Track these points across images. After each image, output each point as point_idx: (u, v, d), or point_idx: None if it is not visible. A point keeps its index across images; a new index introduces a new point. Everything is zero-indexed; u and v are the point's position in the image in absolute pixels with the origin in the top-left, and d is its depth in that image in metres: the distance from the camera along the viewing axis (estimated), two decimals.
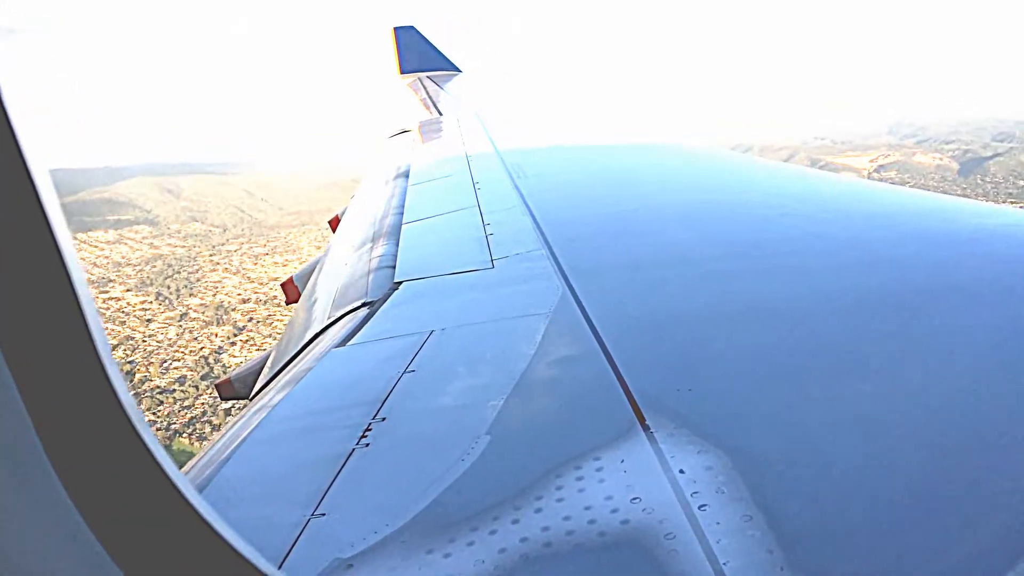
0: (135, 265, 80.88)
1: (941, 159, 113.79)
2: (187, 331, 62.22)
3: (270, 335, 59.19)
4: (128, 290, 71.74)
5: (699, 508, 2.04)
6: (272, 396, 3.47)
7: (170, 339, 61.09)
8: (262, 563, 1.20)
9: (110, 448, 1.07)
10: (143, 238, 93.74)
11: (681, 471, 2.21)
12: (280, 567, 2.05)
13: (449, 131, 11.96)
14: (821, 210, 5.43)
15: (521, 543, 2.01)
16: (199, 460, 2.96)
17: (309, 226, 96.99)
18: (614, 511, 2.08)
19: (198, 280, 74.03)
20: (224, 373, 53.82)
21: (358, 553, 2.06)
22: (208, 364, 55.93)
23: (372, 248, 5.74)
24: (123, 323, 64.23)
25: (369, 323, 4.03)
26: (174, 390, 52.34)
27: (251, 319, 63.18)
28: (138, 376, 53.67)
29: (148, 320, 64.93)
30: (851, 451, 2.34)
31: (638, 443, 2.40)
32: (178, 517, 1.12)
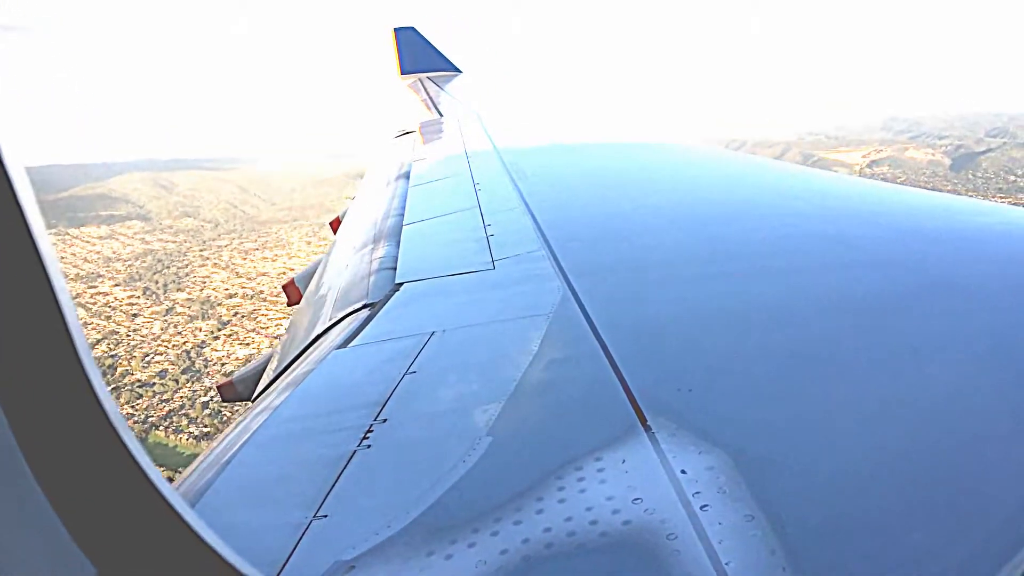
0: (125, 260, 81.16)
1: (933, 154, 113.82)
2: (172, 325, 62.50)
3: (254, 329, 59.53)
4: (116, 285, 72.04)
5: (701, 508, 2.04)
6: (274, 398, 3.47)
7: (154, 333, 61.38)
8: (237, 560, 1.20)
9: (88, 447, 1.07)
10: (135, 233, 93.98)
11: (683, 471, 2.21)
12: (282, 569, 2.05)
13: (449, 132, 11.94)
14: (823, 210, 5.45)
15: (523, 544, 2.01)
16: (202, 461, 2.94)
17: (300, 222, 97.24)
18: (616, 512, 2.08)
19: (187, 275, 74.29)
20: (205, 367, 54.19)
21: (360, 555, 2.06)
22: (190, 358, 56.24)
23: (373, 249, 5.74)
24: (108, 318, 64.54)
25: (370, 324, 4.03)
26: (154, 383, 52.69)
27: (236, 314, 63.47)
28: (120, 370, 53.97)
29: (134, 315, 65.23)
30: (853, 451, 2.34)
31: (639, 443, 2.39)
32: (153, 514, 1.12)
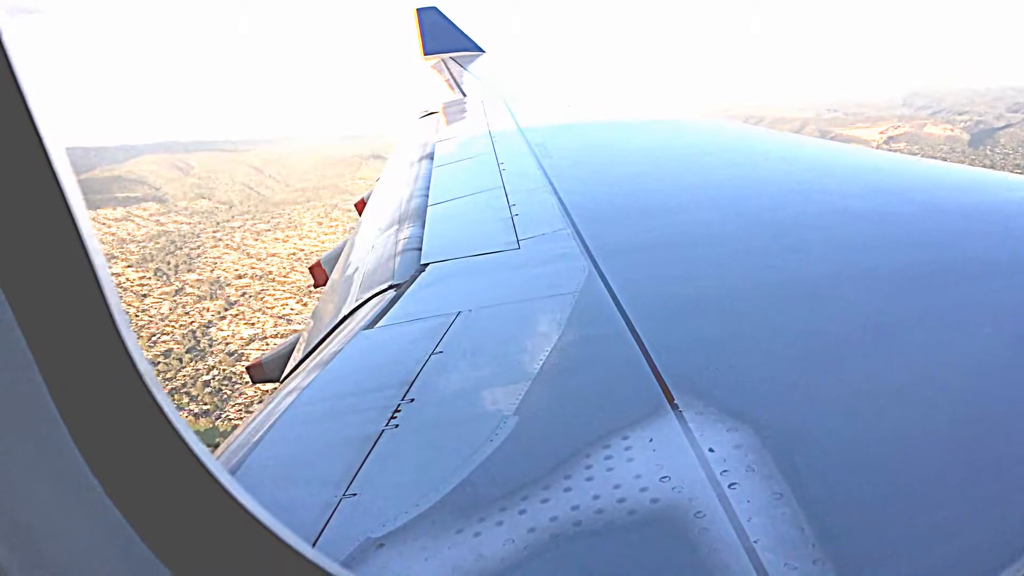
0: (139, 242, 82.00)
1: (952, 130, 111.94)
2: (180, 306, 63.40)
3: (260, 309, 60.27)
4: (129, 266, 72.85)
5: (729, 486, 2.03)
6: (302, 379, 3.50)
7: (162, 314, 62.21)
8: (316, 556, 1.21)
9: (150, 450, 1.08)
10: (150, 215, 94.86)
11: (710, 449, 2.20)
12: (313, 546, 2.04)
13: (473, 112, 11.87)
14: (850, 184, 5.38)
15: (551, 522, 2.01)
16: (232, 442, 2.97)
17: (314, 202, 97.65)
18: (644, 489, 2.07)
19: (198, 256, 75.07)
20: (210, 346, 54.93)
21: (389, 532, 2.07)
22: (195, 338, 57.12)
23: (398, 230, 5.73)
24: (119, 298, 65.60)
25: (396, 305, 4.04)
26: (159, 363, 53.52)
27: (244, 294, 64.22)
28: None
29: (144, 295, 66.23)
30: (882, 428, 2.33)
31: (667, 422, 2.39)
32: (224, 513, 1.13)
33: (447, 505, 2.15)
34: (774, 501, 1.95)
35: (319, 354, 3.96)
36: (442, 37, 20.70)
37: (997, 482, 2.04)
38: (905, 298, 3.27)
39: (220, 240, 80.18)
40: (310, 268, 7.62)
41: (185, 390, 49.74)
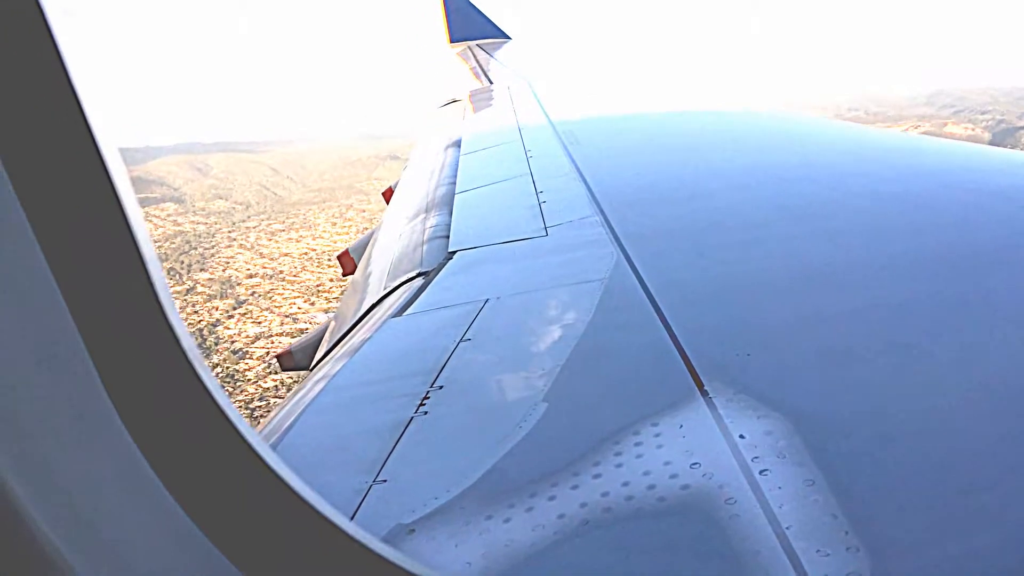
0: (155, 241, 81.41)
1: (973, 129, 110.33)
2: (189, 304, 64.17)
3: (267, 308, 60.83)
4: None
5: (760, 473, 2.01)
6: (332, 366, 3.52)
7: None
8: (399, 557, 1.22)
9: (218, 455, 1.10)
10: (168, 215, 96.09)
11: (741, 436, 2.19)
12: None
13: (500, 100, 11.82)
14: (883, 169, 5.31)
15: (581, 508, 2.01)
16: (264, 429, 2.99)
17: (329, 203, 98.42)
18: (674, 476, 2.06)
19: (212, 256, 75.96)
20: (216, 345, 55.40)
21: (419, 518, 2.08)
22: (202, 335, 57.77)
23: (426, 218, 5.74)
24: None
25: (425, 293, 4.04)
26: None
27: (253, 293, 64.86)
28: None
29: None
30: (917, 415, 2.29)
31: (697, 408, 2.37)
32: (294, 514, 1.17)
33: (477, 491, 2.16)
34: (806, 488, 1.93)
35: (348, 342, 3.98)
36: (468, 24, 20.53)
37: None
38: (943, 284, 3.20)
39: (235, 240, 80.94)
40: (338, 257, 7.68)
41: None
